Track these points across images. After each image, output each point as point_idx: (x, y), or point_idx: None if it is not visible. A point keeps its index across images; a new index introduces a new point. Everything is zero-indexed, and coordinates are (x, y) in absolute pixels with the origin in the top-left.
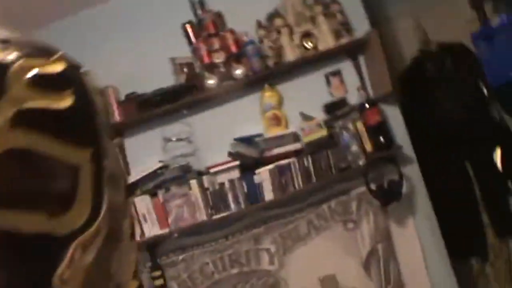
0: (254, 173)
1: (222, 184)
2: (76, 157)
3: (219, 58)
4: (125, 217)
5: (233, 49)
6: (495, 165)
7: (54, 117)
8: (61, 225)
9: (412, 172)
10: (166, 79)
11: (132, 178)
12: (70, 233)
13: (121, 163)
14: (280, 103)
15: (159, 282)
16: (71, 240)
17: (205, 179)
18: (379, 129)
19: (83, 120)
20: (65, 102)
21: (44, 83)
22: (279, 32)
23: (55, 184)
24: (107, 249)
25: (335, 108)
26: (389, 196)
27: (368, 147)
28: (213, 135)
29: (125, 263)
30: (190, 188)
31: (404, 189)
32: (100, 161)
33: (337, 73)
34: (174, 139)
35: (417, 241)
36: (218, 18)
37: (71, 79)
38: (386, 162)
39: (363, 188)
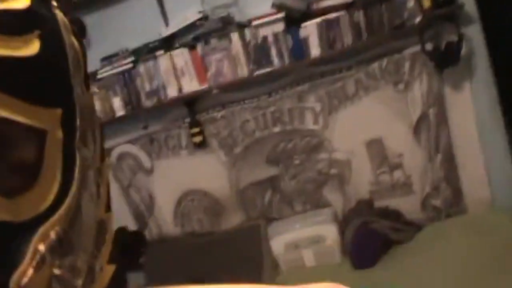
0: (300, 27)
1: (265, 38)
2: (41, 120)
3: None
4: (102, 182)
5: None
6: None
7: (14, 69)
8: (21, 208)
9: (474, 33)
10: None
11: (170, 30)
12: (32, 219)
13: (96, 112)
14: None
15: (198, 139)
16: (33, 229)
17: (247, 32)
18: None
19: (52, 72)
20: (30, 49)
21: (2, 24)
22: None
23: (13, 155)
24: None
25: None
26: (446, 59)
27: (426, 3)
28: None
29: (103, 244)
30: (230, 42)
31: (463, 52)
32: (71, 124)
33: None
34: None
35: (472, 109)
36: None
37: (37, 17)
38: (444, 21)
39: (417, 48)
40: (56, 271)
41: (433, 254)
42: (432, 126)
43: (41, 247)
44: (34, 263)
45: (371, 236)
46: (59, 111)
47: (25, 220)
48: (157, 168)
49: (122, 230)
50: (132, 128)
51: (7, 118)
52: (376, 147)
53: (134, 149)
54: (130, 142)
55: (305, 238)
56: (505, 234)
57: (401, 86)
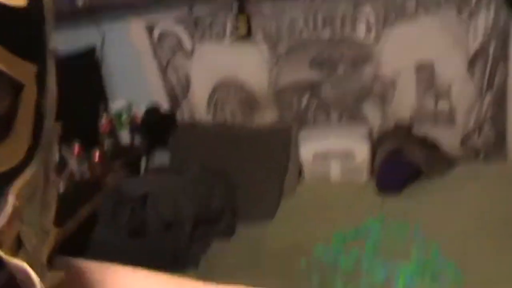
0: None
1: None
2: (20, 72)
3: None
4: (53, 149)
5: None
6: None
7: (3, 16)
8: None
9: None
10: None
11: None
12: (7, 172)
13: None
14: None
15: (243, 29)
16: (8, 182)
17: None
18: None
19: (34, 28)
20: (20, 0)
21: None
22: None
23: None
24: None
25: None
26: None
27: None
28: None
29: (51, 205)
30: None
31: None
32: (44, 82)
33: None
34: None
35: None
36: None
37: None
38: None
39: None
40: (23, 227)
41: (462, 194)
42: (489, 62)
43: (17, 202)
44: (9, 216)
45: (402, 162)
46: (35, 67)
47: (1, 173)
48: (198, 52)
49: (154, 108)
50: (178, 8)
51: None
52: (425, 72)
53: (177, 29)
54: (174, 21)
55: (335, 151)
56: None
57: (465, 13)
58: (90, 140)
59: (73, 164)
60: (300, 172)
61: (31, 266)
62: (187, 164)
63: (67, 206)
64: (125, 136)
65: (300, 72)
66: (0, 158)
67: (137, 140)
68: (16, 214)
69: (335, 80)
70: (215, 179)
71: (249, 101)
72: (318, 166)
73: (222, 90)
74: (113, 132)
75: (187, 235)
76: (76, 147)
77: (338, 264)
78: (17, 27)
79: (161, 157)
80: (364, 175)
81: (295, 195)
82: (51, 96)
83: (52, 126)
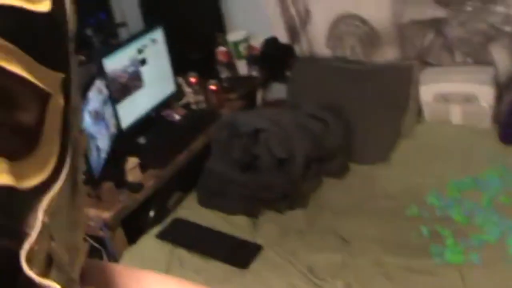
0: None
1: None
2: (46, 82)
3: None
4: (80, 161)
5: None
6: None
7: (27, 23)
8: (23, 173)
9: None
10: None
11: None
12: (36, 187)
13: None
14: None
15: None
16: (38, 198)
17: None
18: None
19: (58, 34)
20: (43, 4)
21: None
22: None
23: (17, 115)
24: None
25: None
26: None
27: None
28: None
29: (79, 221)
30: None
31: None
32: (69, 90)
33: None
34: None
35: None
36: None
37: None
38: None
39: None
40: (53, 244)
41: None
42: None
43: (45, 218)
44: (38, 233)
45: None
46: (61, 75)
47: (29, 187)
48: None
49: (272, 40)
50: None
51: (17, 75)
52: None
53: None
54: None
55: (457, 93)
56: None
57: None
58: (207, 70)
59: (189, 94)
60: (419, 113)
61: (63, 286)
62: (303, 99)
63: (183, 135)
64: (243, 67)
65: (425, 7)
66: (29, 171)
67: (255, 71)
68: (45, 231)
69: (462, 18)
70: (331, 116)
71: (370, 37)
72: (439, 108)
73: (343, 24)
74: (230, 63)
75: (298, 172)
76: (193, 77)
77: (450, 215)
78: (41, 34)
79: (278, 90)
80: (486, 121)
81: (412, 137)
82: (75, 104)
83: (78, 135)
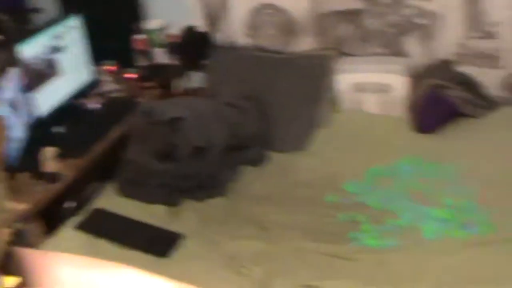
0: None
1: None
2: None
3: None
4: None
5: None
6: None
7: None
8: None
9: None
10: None
11: None
12: None
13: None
14: None
15: None
16: None
17: None
18: None
19: None
20: None
21: None
22: None
23: None
24: None
25: None
26: None
27: None
28: None
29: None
30: None
31: None
32: None
33: None
34: None
35: None
36: None
37: None
38: None
39: None
40: None
41: (502, 138)
42: None
43: None
44: None
45: (441, 100)
46: None
47: None
48: None
49: (190, 28)
50: None
51: None
52: (474, 8)
53: None
54: None
55: (372, 83)
56: None
57: None
58: (126, 59)
59: (108, 82)
60: (335, 102)
61: None
62: (222, 88)
63: (101, 124)
64: (161, 56)
65: None
66: None
67: (173, 60)
68: None
69: (379, 10)
70: (249, 105)
71: (289, 26)
72: (355, 96)
73: (262, 13)
74: (148, 52)
75: (216, 161)
76: (111, 66)
77: (366, 202)
78: None
79: (196, 79)
80: (400, 110)
81: (329, 126)
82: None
83: None
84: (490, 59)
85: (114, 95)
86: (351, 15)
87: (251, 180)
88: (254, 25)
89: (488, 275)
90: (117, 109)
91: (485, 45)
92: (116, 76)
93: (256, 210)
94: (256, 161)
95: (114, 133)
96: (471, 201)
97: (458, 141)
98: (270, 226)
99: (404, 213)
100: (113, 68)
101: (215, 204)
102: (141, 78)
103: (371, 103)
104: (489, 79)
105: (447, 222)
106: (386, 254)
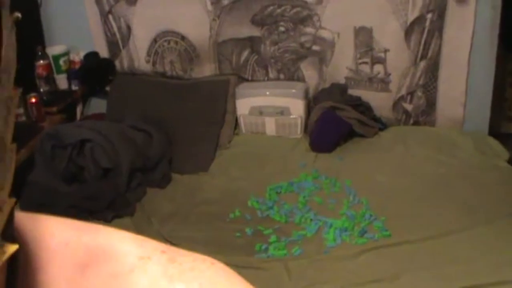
0: None
1: None
2: None
3: None
4: (10, 118)
5: None
6: None
7: None
8: None
9: None
10: None
11: None
12: None
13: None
14: None
15: None
16: None
17: None
18: None
19: None
20: None
21: None
22: None
23: None
24: None
25: None
26: None
27: None
28: None
29: (6, 177)
30: None
31: None
32: None
33: None
34: None
35: (471, 26)
36: None
37: None
38: None
39: None
40: None
41: (391, 155)
42: (426, 32)
43: None
44: None
45: (335, 122)
46: None
47: None
48: (141, 1)
49: (93, 54)
50: None
51: None
52: (364, 36)
53: None
54: None
55: (271, 106)
56: (464, 157)
57: None
58: (26, 84)
59: None
60: (236, 125)
61: None
62: (124, 113)
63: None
64: (63, 82)
65: (241, 27)
66: None
67: (75, 85)
68: None
69: (275, 38)
70: (152, 128)
71: (189, 53)
72: (254, 120)
73: (162, 40)
74: (50, 77)
75: (123, 182)
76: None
77: (271, 216)
78: None
79: (98, 105)
80: (298, 132)
81: (230, 148)
82: (7, 63)
83: (9, 93)
84: (379, 83)
85: (16, 119)
86: (249, 42)
87: (158, 200)
88: (156, 52)
89: (385, 273)
90: (20, 133)
91: (375, 69)
92: (19, 100)
93: (163, 228)
94: (162, 182)
95: (18, 157)
96: (366, 210)
97: (353, 158)
98: (178, 242)
99: (307, 224)
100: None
101: (123, 223)
102: (43, 103)
103: (270, 125)
104: (379, 100)
105: (347, 230)
106: (292, 261)
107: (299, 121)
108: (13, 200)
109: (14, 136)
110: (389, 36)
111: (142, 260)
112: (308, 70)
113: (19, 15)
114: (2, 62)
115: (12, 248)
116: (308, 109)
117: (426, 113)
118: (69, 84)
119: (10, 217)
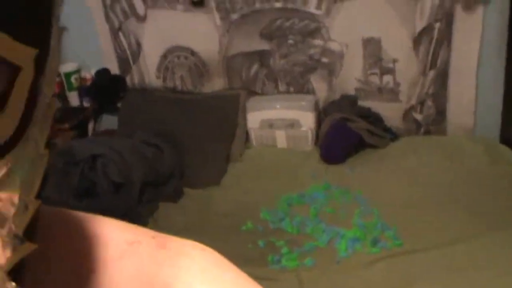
0: None
1: None
2: (18, 56)
3: None
4: (46, 125)
5: None
6: None
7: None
8: None
9: None
10: None
11: None
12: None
13: (60, 54)
14: None
15: None
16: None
17: None
18: None
19: (40, 10)
20: None
21: None
22: None
23: None
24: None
25: None
26: None
27: None
28: None
29: (35, 181)
30: None
31: None
32: (43, 64)
33: None
34: None
35: (479, 34)
36: None
37: None
38: None
39: None
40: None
41: (402, 165)
42: (434, 41)
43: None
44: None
45: (346, 133)
46: (35, 51)
47: None
48: (150, 17)
49: (104, 71)
50: None
51: None
52: (372, 46)
53: None
54: None
55: (281, 119)
56: (475, 165)
57: None
58: None
59: None
60: (247, 139)
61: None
62: (135, 129)
63: None
64: (74, 99)
65: (250, 41)
66: None
67: (86, 102)
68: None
69: (284, 51)
70: (164, 143)
71: (199, 68)
72: (265, 133)
73: (172, 56)
74: (62, 94)
75: (135, 197)
76: None
77: (282, 227)
78: (17, 7)
79: (110, 121)
80: (309, 144)
81: (242, 161)
82: (50, 74)
83: (48, 101)
84: (389, 93)
85: None
86: (259, 56)
87: (171, 214)
88: (166, 67)
89: (398, 283)
90: None
91: (384, 80)
92: None
93: None
94: (174, 197)
95: None
96: (378, 220)
97: (364, 169)
98: None
99: (320, 235)
100: None
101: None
102: (55, 120)
103: (281, 138)
104: (389, 111)
105: (359, 240)
106: (305, 272)
107: (309, 133)
108: (39, 201)
109: (47, 143)
110: (398, 46)
111: (132, 245)
112: (317, 82)
113: (66, 27)
114: (46, 74)
115: (31, 246)
116: (319, 121)
117: (437, 122)
118: (81, 101)
119: (34, 217)
